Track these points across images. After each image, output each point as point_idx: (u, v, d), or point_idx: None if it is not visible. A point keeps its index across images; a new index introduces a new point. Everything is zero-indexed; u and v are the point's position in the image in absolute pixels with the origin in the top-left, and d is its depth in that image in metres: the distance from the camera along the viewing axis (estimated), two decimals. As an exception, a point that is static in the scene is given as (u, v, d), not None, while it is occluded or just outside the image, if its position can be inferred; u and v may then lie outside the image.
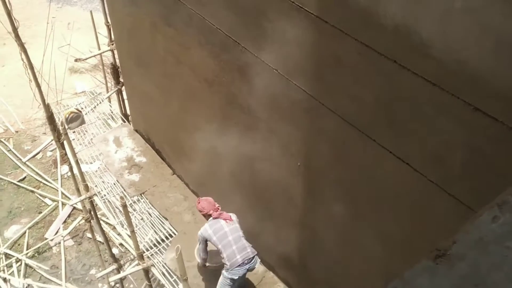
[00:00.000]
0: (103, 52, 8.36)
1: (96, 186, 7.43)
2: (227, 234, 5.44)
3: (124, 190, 7.41)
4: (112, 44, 7.83)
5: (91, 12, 8.30)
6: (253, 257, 5.51)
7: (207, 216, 5.68)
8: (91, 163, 7.86)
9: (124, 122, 8.62)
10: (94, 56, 8.80)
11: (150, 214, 7.13)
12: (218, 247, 5.41)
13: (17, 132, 13.30)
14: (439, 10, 2.72)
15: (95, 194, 7.12)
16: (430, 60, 2.88)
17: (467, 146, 2.98)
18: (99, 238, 9.45)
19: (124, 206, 5.52)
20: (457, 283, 1.16)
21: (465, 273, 1.18)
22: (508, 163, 2.77)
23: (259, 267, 6.39)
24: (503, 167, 2.81)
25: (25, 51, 5.73)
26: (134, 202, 7.30)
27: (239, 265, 5.37)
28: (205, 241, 5.62)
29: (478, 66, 2.68)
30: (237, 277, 5.44)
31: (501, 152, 2.80)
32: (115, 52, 7.90)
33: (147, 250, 6.64)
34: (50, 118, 6.33)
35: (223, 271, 5.51)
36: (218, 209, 5.68)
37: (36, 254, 10.75)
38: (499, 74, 2.60)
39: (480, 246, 1.24)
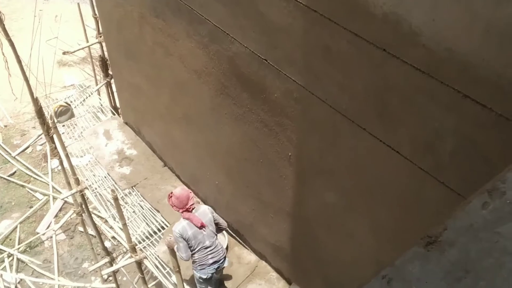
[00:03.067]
0: (91, 45, 8.30)
1: (87, 179, 7.41)
2: (204, 238, 5.31)
3: (115, 183, 7.39)
4: (100, 37, 7.78)
5: (78, 4, 8.23)
6: (224, 257, 5.54)
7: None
8: (81, 156, 7.83)
9: (114, 115, 8.59)
10: (82, 48, 8.73)
11: (141, 207, 7.12)
12: (194, 250, 5.32)
13: (6, 126, 13.20)
14: (428, -2, 2.72)
15: (86, 188, 7.10)
16: (420, 48, 2.88)
17: (457, 134, 2.99)
18: (91, 231, 9.44)
19: (116, 199, 5.51)
20: (448, 270, 1.17)
21: (456, 259, 1.19)
22: (498, 149, 2.79)
23: (252, 257, 6.43)
24: (492, 153, 2.83)
25: (12, 45, 5.67)
26: (126, 195, 7.29)
27: (208, 266, 5.38)
28: (184, 240, 5.27)
29: (467, 53, 2.68)
30: (205, 276, 5.44)
31: (491, 139, 2.81)
32: (103, 44, 7.85)
33: (140, 242, 6.65)
34: (39, 112, 6.27)
35: (194, 271, 5.52)
36: (190, 209, 5.27)
37: (28, 249, 10.72)
38: (488, 61, 2.61)
39: (471, 232, 1.25)
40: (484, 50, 2.60)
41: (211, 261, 5.36)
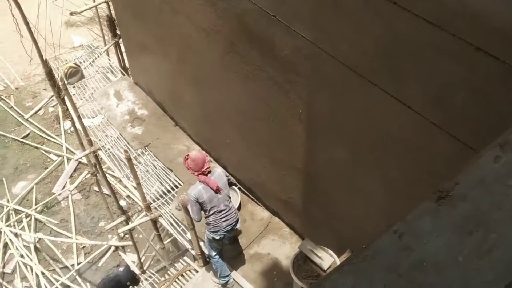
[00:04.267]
0: (98, 4, 8.19)
1: (99, 140, 7.47)
2: (219, 202, 5.27)
3: (128, 143, 7.45)
4: (107, -4, 7.68)
5: (83, -37, 8.10)
6: (237, 220, 5.55)
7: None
8: (93, 117, 7.87)
9: (124, 75, 8.57)
10: (90, 8, 8.61)
11: (155, 166, 7.19)
12: (208, 213, 5.30)
13: (17, 89, 13.24)
14: None
15: (99, 148, 7.16)
16: (431, 0, 2.83)
17: (469, 87, 2.97)
18: (106, 191, 9.57)
19: (129, 159, 5.56)
20: (459, 224, 1.18)
21: (467, 213, 1.20)
22: (510, 102, 2.76)
23: (265, 213, 6.51)
24: (504, 106, 2.81)
25: (19, 6, 5.61)
26: (139, 155, 7.36)
27: (222, 228, 5.40)
28: (198, 203, 5.23)
29: (479, 4, 2.63)
30: (218, 238, 5.48)
31: (503, 92, 2.78)
32: (110, 3, 7.76)
33: (154, 201, 6.74)
34: (49, 74, 6.26)
35: (206, 230, 5.55)
36: (205, 172, 5.19)
37: (45, 209, 10.91)
38: (500, 12, 2.55)
39: (482, 186, 1.25)
40: (497, 1, 2.55)
41: (224, 224, 5.36)
